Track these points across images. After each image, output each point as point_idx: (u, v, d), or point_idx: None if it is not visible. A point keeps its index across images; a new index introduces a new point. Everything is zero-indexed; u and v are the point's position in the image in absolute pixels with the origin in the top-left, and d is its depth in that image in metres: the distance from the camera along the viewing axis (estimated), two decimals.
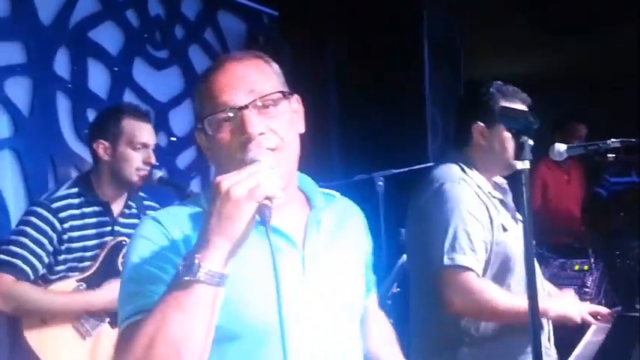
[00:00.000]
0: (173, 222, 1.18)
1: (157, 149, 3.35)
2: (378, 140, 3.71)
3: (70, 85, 2.97)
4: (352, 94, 3.96)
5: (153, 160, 2.28)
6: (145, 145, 2.26)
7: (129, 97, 3.25)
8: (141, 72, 3.34)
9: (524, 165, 1.23)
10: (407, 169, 3.15)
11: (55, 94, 2.91)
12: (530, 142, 1.26)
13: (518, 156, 1.23)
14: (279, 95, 1.19)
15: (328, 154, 4.03)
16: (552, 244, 3.95)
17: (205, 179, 3.61)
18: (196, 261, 1.01)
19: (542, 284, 2.15)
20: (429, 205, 1.99)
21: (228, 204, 1.01)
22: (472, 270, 1.90)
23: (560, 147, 2.07)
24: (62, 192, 2.21)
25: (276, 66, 1.25)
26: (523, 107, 2.02)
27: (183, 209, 1.22)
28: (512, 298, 1.90)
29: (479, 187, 2.02)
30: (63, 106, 2.95)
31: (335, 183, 3.32)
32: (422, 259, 2.02)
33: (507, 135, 2.00)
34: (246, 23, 4.07)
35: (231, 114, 1.15)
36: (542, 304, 1.80)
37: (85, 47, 3.05)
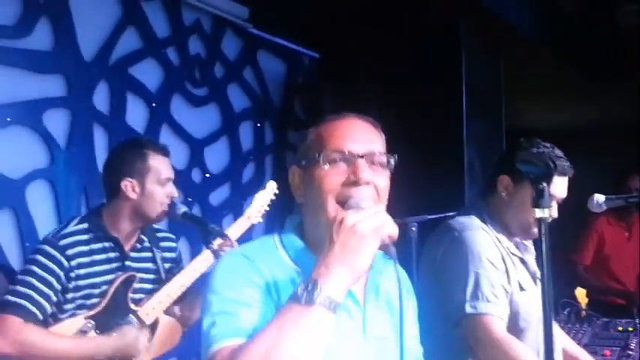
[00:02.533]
0: (259, 258, 1.24)
1: (192, 185, 3.41)
2: (413, 185, 3.63)
3: (107, 119, 3.03)
4: (388, 138, 3.91)
5: (175, 194, 2.27)
6: (168, 180, 2.25)
7: (165, 132, 3.29)
8: (178, 108, 3.38)
9: (543, 213, 1.15)
10: (442, 215, 3.07)
11: (92, 127, 2.97)
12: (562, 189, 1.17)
13: (537, 203, 1.16)
14: (386, 158, 1.30)
15: None
16: (595, 302, 3.77)
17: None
18: (317, 285, 1.09)
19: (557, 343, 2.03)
20: (448, 254, 1.94)
21: (355, 237, 1.10)
22: (496, 318, 1.83)
23: (599, 198, 1.99)
24: (71, 228, 2.17)
25: (383, 136, 1.37)
26: (562, 178, 1.95)
27: (262, 248, 1.30)
28: None
29: (498, 239, 1.96)
30: (100, 139, 2.99)
31: None
32: (439, 310, 1.92)
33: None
34: (286, 64, 4.11)
35: (347, 157, 1.25)
36: None
37: (124, 82, 3.12)
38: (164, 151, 2.30)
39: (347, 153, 1.25)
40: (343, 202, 1.21)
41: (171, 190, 2.27)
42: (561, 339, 2.22)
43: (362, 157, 1.25)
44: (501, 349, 1.81)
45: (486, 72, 3.82)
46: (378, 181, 1.26)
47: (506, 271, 1.92)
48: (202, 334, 1.18)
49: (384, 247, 1.13)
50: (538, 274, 2.07)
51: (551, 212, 1.91)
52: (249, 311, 1.17)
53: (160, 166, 2.24)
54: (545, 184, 1.17)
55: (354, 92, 4.11)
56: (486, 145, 3.73)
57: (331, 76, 4.21)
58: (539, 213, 1.16)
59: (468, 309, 1.83)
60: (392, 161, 1.30)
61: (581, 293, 3.19)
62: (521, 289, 1.93)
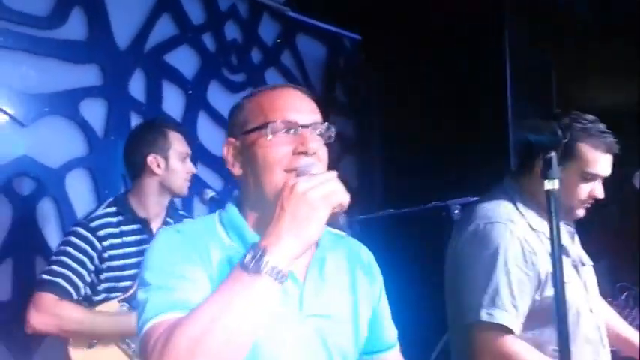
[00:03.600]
0: (193, 234, 1.20)
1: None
2: (458, 167, 3.53)
3: (144, 107, 3.04)
4: (434, 118, 3.80)
5: (194, 170, 2.34)
6: (187, 155, 2.32)
7: (203, 119, 3.29)
8: (216, 95, 3.36)
9: (552, 185, 1.05)
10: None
11: (129, 115, 2.98)
12: None
13: (545, 174, 1.06)
14: (329, 129, 1.26)
15: (404, 180, 3.88)
16: None
17: None
18: (265, 254, 1.04)
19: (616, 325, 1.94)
20: (468, 248, 1.80)
21: (305, 205, 1.06)
22: (510, 331, 1.69)
23: None
24: (100, 211, 2.25)
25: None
26: (605, 155, 1.81)
27: (199, 226, 1.26)
28: None
29: (532, 228, 1.78)
30: None
31: (409, 210, 3.18)
32: (455, 307, 1.83)
33: (578, 181, 1.80)
34: (326, 47, 4.04)
35: (293, 128, 1.21)
36: None
37: (160, 70, 3.12)
38: (180, 129, 2.38)
39: (294, 123, 1.21)
40: (291, 171, 1.17)
41: (190, 166, 2.33)
42: (614, 321, 2.09)
43: (308, 126, 1.22)
44: None
45: (534, 51, 3.65)
46: (321, 151, 1.23)
47: (536, 270, 1.75)
48: (138, 311, 1.13)
49: (333, 217, 1.09)
50: (581, 257, 1.95)
51: (596, 192, 1.84)
52: (186, 285, 1.12)
53: (178, 143, 2.31)
54: (553, 154, 1.06)
55: (397, 74, 4.02)
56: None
57: (374, 59, 4.13)
58: (548, 185, 1.06)
59: (484, 316, 1.70)
60: (332, 132, 1.26)
61: None
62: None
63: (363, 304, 1.33)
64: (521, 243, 1.76)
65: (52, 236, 2.68)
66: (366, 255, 1.41)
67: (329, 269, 1.27)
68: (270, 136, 1.20)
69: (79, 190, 2.79)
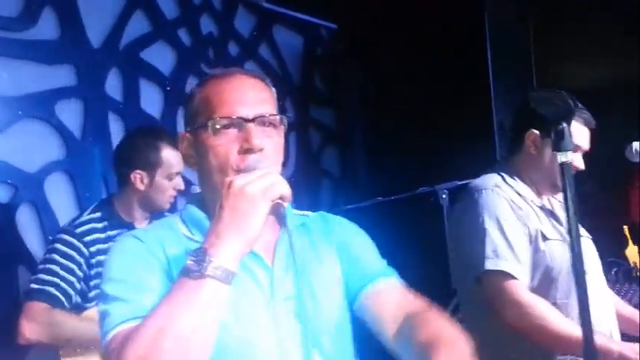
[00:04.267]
0: (153, 239, 1.17)
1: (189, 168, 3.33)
2: (442, 151, 3.51)
3: (122, 106, 2.97)
4: (415, 104, 3.79)
5: (182, 186, 2.27)
6: (177, 174, 2.24)
7: (182, 116, 3.21)
8: None
9: (565, 157, 1.03)
10: (472, 181, 2.94)
11: (106, 115, 2.92)
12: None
13: (558, 146, 1.04)
14: (279, 119, 1.22)
15: (389, 167, 3.86)
16: None
17: None
18: (207, 256, 1.01)
19: (607, 301, 1.99)
20: (463, 215, 1.94)
21: (243, 201, 1.03)
22: (515, 278, 1.80)
23: (637, 145, 1.85)
24: (85, 217, 2.19)
25: (274, 91, 1.28)
26: (583, 128, 1.91)
27: (160, 229, 1.24)
28: (567, 323, 1.75)
29: (519, 194, 1.92)
30: (115, 127, 2.94)
31: (398, 196, 3.16)
32: (462, 270, 1.95)
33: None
34: (303, 37, 3.99)
35: (237, 123, 1.17)
36: (605, 341, 1.70)
37: (136, 67, 3.05)
38: (177, 144, 2.26)
39: (236, 118, 1.17)
40: (240, 171, 1.13)
41: (178, 182, 2.26)
42: (612, 300, 2.12)
43: (253, 120, 1.17)
44: (523, 310, 1.78)
45: (513, 28, 3.64)
46: (271, 143, 1.19)
47: (527, 225, 1.89)
48: (99, 325, 1.11)
49: (274, 208, 1.06)
50: (579, 231, 1.99)
51: (576, 163, 1.88)
52: (144, 293, 1.09)
53: (171, 160, 2.22)
54: (565, 124, 1.04)
55: (375, 61, 3.99)
56: (517, 105, 3.56)
57: (351, 46, 4.09)
58: (561, 157, 1.04)
59: (488, 265, 1.81)
60: (284, 120, 1.22)
61: (632, 252, 3.04)
62: (545, 238, 1.89)
63: (335, 272, 1.27)
64: (509, 202, 1.90)
65: (34, 243, 2.61)
66: (327, 219, 1.35)
67: (297, 249, 1.19)
68: (212, 133, 1.17)
69: (59, 194, 2.72)
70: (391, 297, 1.26)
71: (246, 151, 1.16)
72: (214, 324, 1.03)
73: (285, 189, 1.07)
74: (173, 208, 2.63)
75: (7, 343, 2.21)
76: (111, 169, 2.84)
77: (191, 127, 1.23)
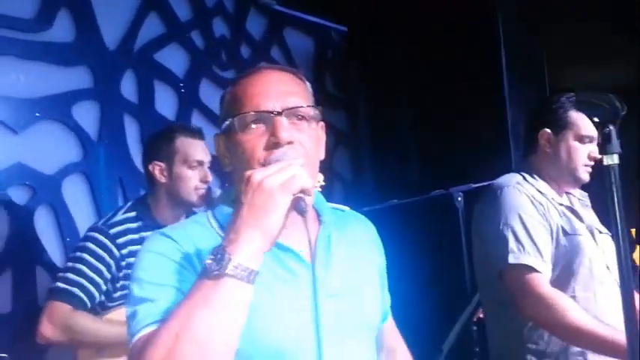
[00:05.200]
0: (184, 237, 1.13)
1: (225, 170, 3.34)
2: (457, 154, 3.51)
3: (137, 108, 2.98)
4: (428, 107, 3.79)
5: (209, 178, 2.22)
6: (200, 163, 2.20)
7: (196, 117, 3.23)
8: (207, 92, 3.30)
9: (612, 160, 1.03)
10: (487, 182, 2.94)
11: (122, 116, 2.92)
12: None
13: (604, 149, 1.04)
14: (312, 110, 1.18)
15: (405, 169, 3.87)
16: None
17: None
18: (226, 254, 0.97)
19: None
20: (485, 212, 1.99)
21: (262, 195, 0.98)
22: (540, 272, 1.83)
23: None
24: (120, 217, 2.16)
25: (309, 85, 1.24)
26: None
27: (191, 226, 1.20)
28: (589, 319, 1.77)
29: (540, 192, 1.96)
30: (131, 128, 2.95)
31: (413, 199, 3.16)
32: (485, 267, 1.98)
33: (575, 144, 1.98)
34: (313, 40, 4.00)
35: (264, 117, 1.14)
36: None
37: (151, 69, 3.05)
38: (195, 134, 2.25)
39: (263, 112, 1.13)
40: (265, 166, 1.08)
41: (205, 174, 2.20)
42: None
43: (280, 113, 1.13)
44: (544, 303, 1.80)
45: (527, 34, 3.64)
46: (303, 137, 1.14)
47: (548, 220, 1.92)
48: (127, 326, 1.08)
49: (295, 203, 1.01)
50: (597, 225, 2.07)
51: (594, 154, 1.95)
52: (169, 293, 1.06)
53: (188, 149, 2.19)
54: (611, 127, 1.04)
55: (386, 64, 3.99)
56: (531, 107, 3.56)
57: (362, 49, 4.09)
58: (607, 160, 1.04)
59: (511, 259, 1.84)
60: (317, 112, 1.18)
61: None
62: (566, 233, 1.93)
63: (374, 276, 1.30)
64: (530, 199, 1.94)
65: (51, 244, 2.61)
66: (370, 225, 1.38)
67: (336, 246, 1.21)
68: (240, 130, 1.14)
69: (76, 196, 2.72)
70: (390, 336, 1.39)
71: (273, 145, 1.12)
72: (235, 326, 0.98)
73: (306, 182, 1.01)
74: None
75: (25, 342, 2.22)
76: (127, 171, 2.88)
77: (223, 128, 1.20)
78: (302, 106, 1.16)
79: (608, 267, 1.97)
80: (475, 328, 2.66)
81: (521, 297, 1.85)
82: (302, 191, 1.01)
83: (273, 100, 1.14)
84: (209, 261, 0.98)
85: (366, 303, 1.23)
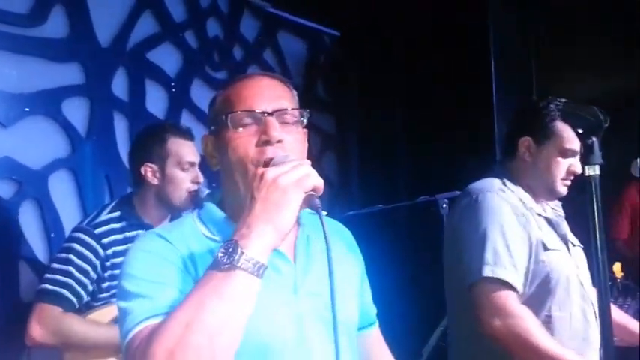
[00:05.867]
0: (177, 239, 1.16)
1: (215, 171, 3.34)
2: (443, 161, 3.54)
3: (127, 106, 2.98)
4: (417, 113, 3.82)
5: (201, 179, 2.21)
6: (192, 165, 2.20)
7: (186, 117, 3.23)
8: (199, 93, 3.31)
9: (594, 171, 1.05)
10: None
11: (112, 114, 2.92)
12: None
13: (587, 160, 1.06)
14: (300, 115, 1.22)
15: (392, 175, 3.89)
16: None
17: None
18: (238, 248, 0.99)
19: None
20: (465, 218, 1.88)
21: (276, 192, 1.01)
22: (514, 289, 1.75)
23: None
24: (104, 217, 2.15)
25: (295, 92, 1.29)
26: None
27: (181, 228, 1.22)
28: (554, 343, 1.73)
29: (520, 200, 1.88)
30: (120, 126, 2.95)
31: (398, 205, 3.18)
32: (457, 275, 1.88)
33: (557, 157, 1.90)
34: (306, 43, 4.02)
35: (256, 117, 1.18)
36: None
37: (143, 68, 3.06)
38: (186, 135, 2.24)
39: (255, 112, 1.18)
40: (259, 164, 1.13)
41: (196, 175, 2.21)
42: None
43: (271, 114, 1.17)
44: (511, 321, 1.73)
45: (517, 39, 3.68)
46: (289, 138, 1.18)
47: (528, 233, 1.84)
48: (119, 322, 1.09)
49: (308, 200, 1.04)
50: (570, 237, 2.00)
51: (574, 168, 1.88)
52: (166, 290, 1.08)
53: (180, 150, 2.19)
54: (594, 139, 1.07)
55: (377, 70, 4.02)
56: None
57: (354, 55, 4.12)
58: (589, 170, 1.06)
59: (486, 271, 1.75)
60: (304, 116, 1.22)
61: (618, 268, 3.07)
62: (545, 248, 1.84)
63: (351, 281, 1.32)
64: (512, 208, 1.85)
65: (35, 239, 2.61)
66: (348, 233, 1.41)
67: (314, 247, 1.24)
68: (232, 128, 1.17)
69: (62, 192, 2.72)
70: (375, 345, 1.41)
71: (264, 143, 1.15)
72: (243, 318, 1.00)
73: (318, 181, 1.05)
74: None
75: (8, 336, 2.21)
76: (114, 168, 2.87)
77: (213, 128, 1.24)
78: (291, 109, 1.21)
79: (582, 283, 1.91)
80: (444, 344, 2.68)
81: (489, 312, 1.75)
82: (314, 189, 1.04)
83: (265, 102, 1.19)
84: (220, 254, 1.00)
85: (345, 302, 1.25)
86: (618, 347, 2.04)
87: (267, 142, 1.15)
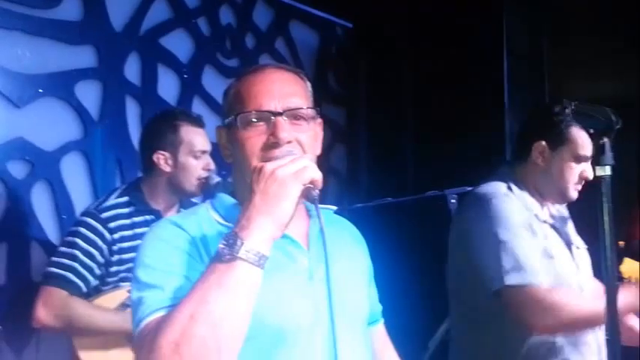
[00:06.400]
0: (192, 227, 1.17)
1: (219, 157, 3.36)
2: (453, 156, 3.54)
3: (139, 91, 2.99)
4: (428, 108, 3.82)
5: (212, 166, 2.23)
6: (203, 152, 2.21)
7: (197, 104, 3.24)
8: (210, 80, 3.32)
9: (604, 171, 1.06)
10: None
11: (124, 98, 2.94)
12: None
13: (598, 160, 1.07)
14: (312, 112, 1.23)
15: (402, 168, 3.89)
16: None
17: None
18: (238, 239, 1.01)
19: None
20: (474, 223, 1.88)
21: (275, 184, 1.03)
22: (538, 285, 1.76)
23: None
24: (111, 201, 2.16)
25: (309, 85, 1.29)
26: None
27: (196, 217, 1.23)
28: (590, 302, 1.78)
29: (525, 207, 1.89)
30: (132, 110, 2.96)
31: (407, 198, 3.19)
32: (469, 281, 1.89)
33: (570, 162, 1.90)
34: (318, 34, 4.01)
35: (265, 117, 1.19)
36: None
37: (155, 53, 3.07)
38: (198, 123, 2.26)
39: (264, 112, 1.18)
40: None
41: (208, 162, 2.22)
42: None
43: (281, 114, 1.18)
44: (556, 311, 1.74)
45: (531, 38, 3.67)
46: (302, 137, 1.19)
47: (535, 232, 1.87)
48: (132, 312, 1.11)
49: (306, 192, 1.07)
50: (574, 239, 2.02)
51: (586, 173, 1.89)
52: (177, 280, 1.09)
53: (193, 138, 2.20)
54: (606, 139, 1.07)
55: (389, 63, 4.01)
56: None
57: (366, 46, 4.11)
58: (600, 171, 1.07)
59: (508, 280, 1.76)
60: (316, 113, 1.23)
61: (631, 268, 3.06)
62: (548, 256, 1.85)
63: (359, 273, 1.34)
64: (520, 210, 1.88)
65: (47, 220, 2.63)
66: (355, 230, 1.43)
67: (327, 239, 1.23)
68: (241, 128, 1.18)
69: (74, 174, 2.74)
70: (379, 342, 1.42)
71: (272, 144, 1.16)
72: (247, 309, 1.02)
73: (316, 173, 1.07)
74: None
75: (19, 315, 2.24)
76: (125, 152, 2.90)
77: (225, 122, 1.25)
78: (302, 108, 1.21)
79: (581, 287, 1.93)
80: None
81: (530, 313, 1.76)
82: (311, 182, 1.07)
83: (275, 100, 1.19)
84: (222, 246, 1.02)
85: (356, 294, 1.28)
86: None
87: (276, 144, 1.16)
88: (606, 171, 1.06)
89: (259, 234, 1.02)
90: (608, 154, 1.06)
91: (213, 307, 0.99)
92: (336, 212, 1.40)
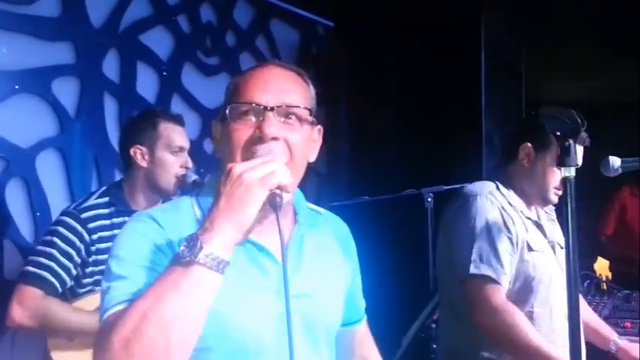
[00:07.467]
0: (169, 223, 1.15)
1: (203, 156, 3.36)
2: (430, 156, 3.57)
3: (118, 88, 2.97)
4: (408, 108, 3.84)
5: (190, 164, 2.22)
6: (181, 149, 2.21)
7: (176, 102, 3.24)
8: (190, 77, 3.31)
9: (569, 172, 1.08)
10: (458, 185, 3.00)
11: (102, 95, 2.92)
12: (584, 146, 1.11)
13: (563, 162, 1.09)
14: (306, 112, 1.19)
15: (379, 167, 3.91)
16: (618, 274, 3.74)
17: None
18: (199, 242, 0.99)
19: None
20: (456, 218, 2.02)
21: (240, 187, 1.01)
22: (499, 284, 1.88)
23: (615, 161, 1.87)
24: (92, 201, 2.15)
25: (313, 89, 1.26)
26: (579, 146, 1.94)
27: (176, 212, 1.20)
28: (538, 337, 1.86)
29: (510, 204, 1.99)
30: (110, 108, 2.94)
31: (383, 197, 3.21)
32: (447, 270, 2.04)
33: (553, 168, 1.97)
34: (299, 33, 4.02)
35: (256, 110, 1.16)
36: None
37: (134, 50, 3.05)
38: (177, 120, 2.26)
39: (254, 105, 1.15)
40: (248, 159, 1.11)
41: (186, 160, 2.21)
42: (583, 310, 2.19)
43: (272, 109, 1.15)
44: (498, 317, 1.87)
45: (507, 43, 3.71)
46: (291, 136, 1.16)
47: (516, 233, 1.96)
48: (100, 301, 1.11)
49: (270, 198, 1.03)
50: (559, 240, 2.09)
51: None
52: (145, 274, 1.08)
53: (171, 134, 2.20)
54: (571, 141, 1.10)
55: (370, 63, 4.03)
56: (506, 115, 3.64)
57: (346, 45, 4.13)
58: (565, 172, 1.09)
59: (472, 269, 1.89)
60: (311, 115, 1.20)
61: (602, 266, 3.13)
62: (530, 249, 1.97)
63: (341, 279, 1.33)
64: (500, 211, 1.98)
65: (21, 218, 2.61)
66: (344, 229, 1.40)
67: (308, 247, 1.24)
68: (230, 119, 1.16)
69: (50, 171, 2.72)
70: (362, 343, 1.44)
71: (258, 139, 1.13)
72: (200, 313, 1.01)
73: (284, 178, 1.04)
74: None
75: None
76: (102, 149, 2.88)
77: (219, 115, 1.22)
78: (296, 106, 1.17)
79: (563, 287, 2.01)
80: (434, 325, 2.73)
81: (476, 307, 1.90)
82: (279, 187, 1.04)
83: (269, 94, 1.16)
84: (183, 247, 1.00)
85: (328, 305, 1.26)
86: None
87: (260, 139, 1.13)
88: (571, 172, 1.08)
89: (220, 239, 1.00)
90: (573, 156, 1.09)
91: (165, 308, 0.98)
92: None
